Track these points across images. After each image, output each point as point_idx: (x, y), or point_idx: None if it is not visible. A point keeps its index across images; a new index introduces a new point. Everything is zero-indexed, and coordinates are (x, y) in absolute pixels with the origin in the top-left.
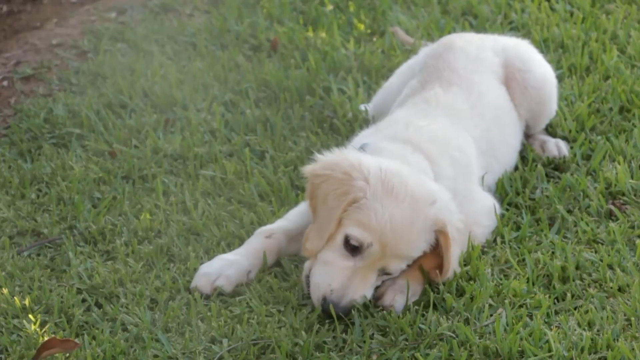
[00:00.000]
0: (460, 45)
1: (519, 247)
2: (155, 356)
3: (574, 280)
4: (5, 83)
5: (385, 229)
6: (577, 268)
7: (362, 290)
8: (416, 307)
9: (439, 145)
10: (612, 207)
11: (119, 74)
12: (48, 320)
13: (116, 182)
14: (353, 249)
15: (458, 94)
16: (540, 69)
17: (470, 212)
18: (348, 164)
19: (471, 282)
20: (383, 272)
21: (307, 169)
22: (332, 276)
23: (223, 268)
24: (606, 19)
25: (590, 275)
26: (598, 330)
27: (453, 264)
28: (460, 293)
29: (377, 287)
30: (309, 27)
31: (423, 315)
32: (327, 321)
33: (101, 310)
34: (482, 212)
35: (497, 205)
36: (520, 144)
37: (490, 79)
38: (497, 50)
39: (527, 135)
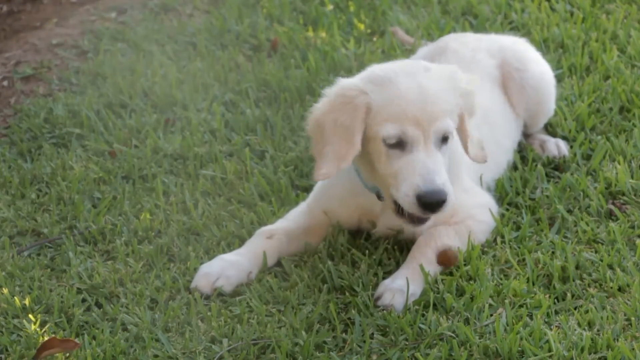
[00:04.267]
0: (454, 48)
1: (519, 247)
2: (155, 356)
3: (574, 280)
4: (5, 83)
5: (405, 107)
6: (577, 268)
7: (440, 172)
8: (416, 307)
9: None
10: (612, 207)
11: (119, 74)
12: (48, 320)
13: (116, 182)
14: (399, 144)
15: None
16: (538, 68)
17: (462, 205)
18: (338, 93)
19: (471, 282)
20: (440, 141)
21: (308, 121)
22: (411, 172)
23: (223, 268)
24: (606, 19)
25: (590, 275)
26: (598, 330)
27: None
28: (460, 293)
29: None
30: (309, 27)
31: (423, 315)
32: (327, 321)
33: (101, 310)
34: (475, 205)
35: (493, 203)
36: (517, 144)
37: (483, 82)
38: (493, 52)
39: (527, 135)
